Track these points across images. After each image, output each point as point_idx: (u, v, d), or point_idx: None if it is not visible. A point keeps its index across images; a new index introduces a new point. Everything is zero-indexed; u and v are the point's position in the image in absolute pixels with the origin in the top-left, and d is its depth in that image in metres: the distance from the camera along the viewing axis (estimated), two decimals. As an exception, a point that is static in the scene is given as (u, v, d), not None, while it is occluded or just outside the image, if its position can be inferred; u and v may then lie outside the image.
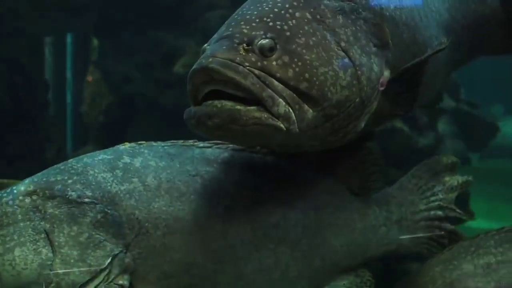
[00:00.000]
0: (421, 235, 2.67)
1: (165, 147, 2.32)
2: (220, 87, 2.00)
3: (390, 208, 2.60)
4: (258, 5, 2.12)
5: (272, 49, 1.99)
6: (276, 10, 2.08)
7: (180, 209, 2.17)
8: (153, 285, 2.13)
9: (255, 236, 2.25)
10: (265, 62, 1.98)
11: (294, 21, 2.07)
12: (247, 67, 1.96)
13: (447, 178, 2.71)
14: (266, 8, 2.09)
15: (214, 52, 1.99)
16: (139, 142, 2.35)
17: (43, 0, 5.51)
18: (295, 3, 2.11)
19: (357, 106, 2.13)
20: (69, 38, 7.26)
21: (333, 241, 2.43)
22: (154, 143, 2.34)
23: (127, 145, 2.34)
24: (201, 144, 2.36)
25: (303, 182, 2.43)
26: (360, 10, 2.20)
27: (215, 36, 2.10)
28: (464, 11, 2.80)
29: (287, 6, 2.10)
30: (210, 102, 1.99)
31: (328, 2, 2.15)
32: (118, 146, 2.34)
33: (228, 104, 1.97)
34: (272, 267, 2.29)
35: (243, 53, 1.98)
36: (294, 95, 1.98)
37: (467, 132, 5.82)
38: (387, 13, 2.29)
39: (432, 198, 2.66)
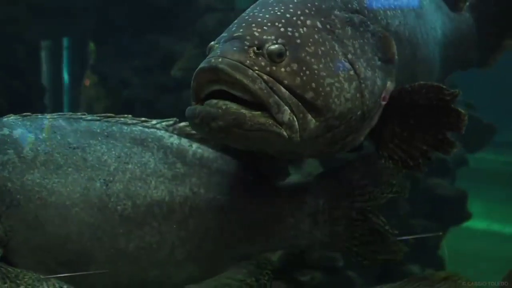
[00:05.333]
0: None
1: (51, 120, 2.28)
2: (226, 88, 1.99)
3: (304, 199, 2.44)
4: (270, 8, 2.11)
5: (281, 55, 1.99)
6: (288, 15, 2.07)
7: (56, 182, 2.13)
8: (27, 259, 2.10)
9: (136, 212, 2.20)
10: (273, 68, 1.97)
11: (305, 28, 2.06)
12: (256, 71, 1.95)
13: (385, 179, 2.44)
14: (278, 13, 2.08)
15: (224, 52, 1.98)
16: (25, 114, 2.30)
17: (42, 5, 5.50)
18: (306, 11, 2.10)
19: (358, 119, 2.13)
20: (66, 42, 7.25)
21: (226, 224, 2.33)
22: (40, 115, 2.30)
23: (11, 117, 2.30)
24: (89, 117, 2.32)
25: (198, 160, 2.34)
26: (369, 23, 2.19)
27: (225, 34, 2.08)
28: (451, 28, 2.85)
29: (299, 13, 2.09)
30: (214, 102, 1.98)
31: (338, 12, 2.15)
32: (1, 118, 2.30)
33: (233, 107, 1.96)
34: (157, 246, 2.22)
35: (253, 57, 1.97)
36: (299, 103, 1.98)
37: (464, 133, 5.82)
38: (392, 29, 2.29)
39: (359, 198, 2.44)
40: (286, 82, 1.97)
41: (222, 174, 2.37)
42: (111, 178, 2.20)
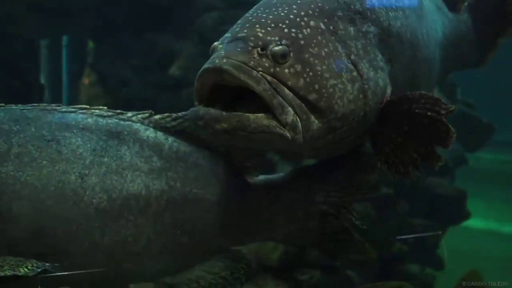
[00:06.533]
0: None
1: (24, 111, 2.24)
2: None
3: (279, 194, 2.44)
4: (273, 9, 2.10)
5: (285, 56, 1.99)
6: (291, 16, 2.07)
7: (30, 175, 2.10)
8: (1, 252, 2.07)
9: (112, 206, 2.18)
10: (277, 69, 1.97)
11: (308, 29, 2.06)
12: (260, 72, 1.95)
13: (360, 176, 2.46)
14: (282, 14, 2.08)
15: (228, 53, 1.97)
16: None
17: (42, 4, 5.50)
18: (310, 12, 2.10)
19: (360, 120, 2.13)
20: (65, 41, 7.25)
21: (201, 218, 2.33)
22: (14, 106, 2.28)
23: None
24: (63, 108, 2.29)
25: (174, 154, 2.34)
26: (370, 24, 2.20)
27: (228, 35, 2.08)
28: (450, 28, 2.86)
29: (302, 14, 2.09)
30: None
31: (341, 13, 2.15)
32: None
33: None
34: (132, 239, 2.22)
35: (257, 58, 1.97)
36: (303, 104, 1.98)
37: (463, 133, 5.82)
38: (394, 30, 2.29)
39: (333, 194, 2.45)
40: (289, 83, 1.97)
41: (198, 168, 2.37)
42: (87, 172, 2.17)
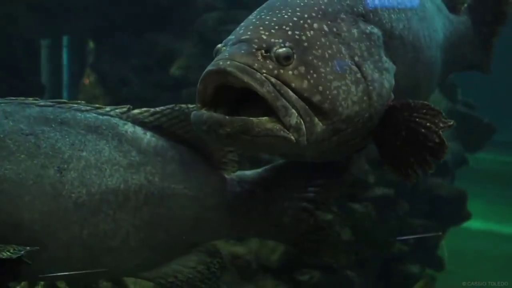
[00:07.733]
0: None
1: (2, 104, 2.23)
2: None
3: (256, 188, 2.46)
4: (277, 11, 2.10)
5: (289, 58, 1.98)
6: (295, 19, 2.07)
7: (8, 169, 2.10)
8: None
9: (91, 200, 2.19)
10: (281, 71, 1.96)
11: (312, 32, 2.06)
12: (264, 74, 1.94)
13: (339, 175, 2.49)
14: (285, 16, 2.08)
15: (231, 55, 1.97)
16: None
17: (42, 4, 5.50)
18: (313, 14, 2.10)
19: (365, 122, 2.12)
20: (65, 41, 7.26)
21: (178, 213, 2.35)
22: None
23: None
24: (42, 102, 2.28)
25: (153, 149, 2.35)
26: (373, 26, 2.19)
27: (232, 37, 2.07)
28: (451, 30, 2.86)
29: (305, 16, 2.09)
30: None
31: (344, 16, 2.15)
32: None
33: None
34: (111, 234, 2.23)
35: (261, 60, 1.96)
36: (307, 107, 1.97)
37: (463, 133, 5.82)
38: (396, 32, 2.29)
39: (310, 189, 2.47)
40: (293, 85, 1.96)
41: (176, 163, 2.38)
42: (65, 166, 2.18)
